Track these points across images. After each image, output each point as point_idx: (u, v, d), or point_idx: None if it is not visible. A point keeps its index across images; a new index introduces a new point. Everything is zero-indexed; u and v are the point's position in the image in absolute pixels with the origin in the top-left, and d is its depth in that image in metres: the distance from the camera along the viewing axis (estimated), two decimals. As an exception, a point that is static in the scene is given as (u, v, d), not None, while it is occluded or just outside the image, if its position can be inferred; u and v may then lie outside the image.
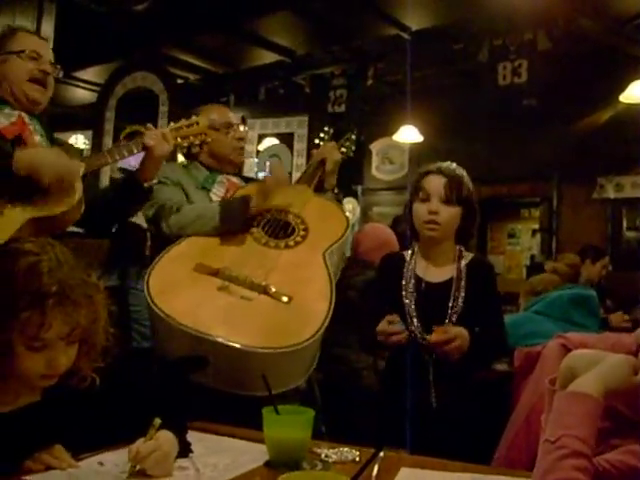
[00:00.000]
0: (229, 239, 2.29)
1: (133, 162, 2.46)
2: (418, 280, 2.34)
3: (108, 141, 7.53)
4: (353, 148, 2.94)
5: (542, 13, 5.96)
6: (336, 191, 2.73)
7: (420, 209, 2.33)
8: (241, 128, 2.74)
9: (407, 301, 2.29)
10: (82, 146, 8.92)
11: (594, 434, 1.11)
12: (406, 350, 2.20)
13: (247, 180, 2.79)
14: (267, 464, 1.43)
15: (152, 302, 2.00)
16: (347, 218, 2.56)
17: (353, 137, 2.94)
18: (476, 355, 2.22)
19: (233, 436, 1.64)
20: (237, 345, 1.90)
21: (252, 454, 1.49)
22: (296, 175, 6.95)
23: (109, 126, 7.68)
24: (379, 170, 9.75)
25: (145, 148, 2.14)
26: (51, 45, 4.41)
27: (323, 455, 1.50)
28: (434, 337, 2.16)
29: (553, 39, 6.28)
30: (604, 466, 1.19)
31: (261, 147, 8.55)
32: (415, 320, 2.26)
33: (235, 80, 8.27)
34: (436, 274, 2.35)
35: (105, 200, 2.21)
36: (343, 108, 7.71)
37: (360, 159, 9.90)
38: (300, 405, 1.95)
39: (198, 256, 2.19)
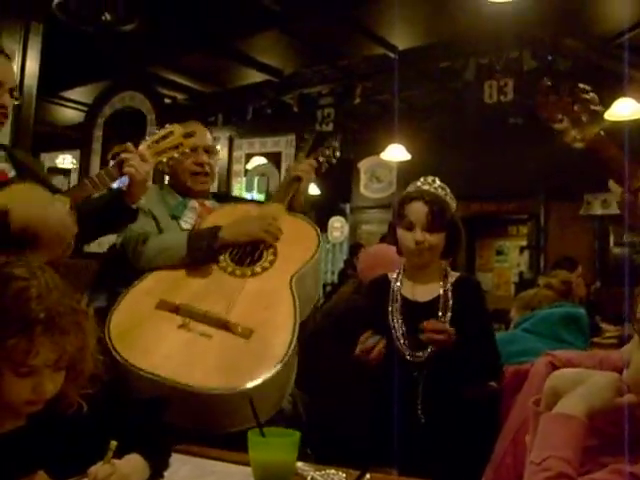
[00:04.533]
0: (194, 270, 2.24)
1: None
2: (405, 300, 2.35)
3: (96, 161, 7.53)
4: (337, 154, 2.80)
5: (527, 33, 6.03)
6: (305, 210, 2.62)
7: (405, 237, 2.32)
8: (207, 157, 2.59)
9: (394, 321, 2.30)
10: (70, 166, 8.92)
11: (579, 455, 1.11)
12: (395, 368, 2.20)
13: (220, 199, 2.71)
14: (252, 487, 1.42)
15: (111, 346, 1.95)
16: (319, 236, 2.44)
17: (335, 144, 2.79)
18: (464, 375, 2.23)
19: (218, 459, 1.62)
20: (192, 387, 1.86)
21: (237, 477, 1.48)
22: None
23: (97, 146, 7.68)
24: (367, 188, 9.79)
25: (125, 174, 2.09)
26: (38, 65, 4.45)
27: (309, 477, 1.48)
28: (429, 324, 2.18)
29: (538, 58, 6.34)
30: (591, 486, 1.18)
31: (249, 166, 8.56)
32: (402, 340, 2.27)
33: (223, 99, 8.29)
34: (422, 293, 2.35)
35: (89, 219, 2.10)
36: (331, 127, 7.74)
37: (348, 177, 9.94)
38: (286, 427, 1.93)
39: (161, 292, 2.15)
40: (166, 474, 1.47)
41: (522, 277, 8.20)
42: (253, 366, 1.93)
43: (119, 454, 1.33)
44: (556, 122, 1.60)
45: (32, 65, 4.46)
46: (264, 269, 2.25)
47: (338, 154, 2.80)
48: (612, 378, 1.17)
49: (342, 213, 10.48)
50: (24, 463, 1.30)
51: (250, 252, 2.31)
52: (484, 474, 2.37)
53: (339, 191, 10.23)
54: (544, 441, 1.11)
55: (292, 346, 2.01)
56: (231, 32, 6.36)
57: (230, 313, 2.06)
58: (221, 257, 2.27)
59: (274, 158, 7.75)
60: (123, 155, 2.11)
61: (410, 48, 6.59)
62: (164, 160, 2.25)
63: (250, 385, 1.87)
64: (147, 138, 2.21)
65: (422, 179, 2.40)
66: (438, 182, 2.38)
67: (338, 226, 10.45)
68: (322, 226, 10.77)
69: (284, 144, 7.25)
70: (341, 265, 9.62)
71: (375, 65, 7.05)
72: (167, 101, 8.17)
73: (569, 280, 4.07)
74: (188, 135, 2.28)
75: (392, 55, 6.60)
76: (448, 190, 2.38)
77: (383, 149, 7.97)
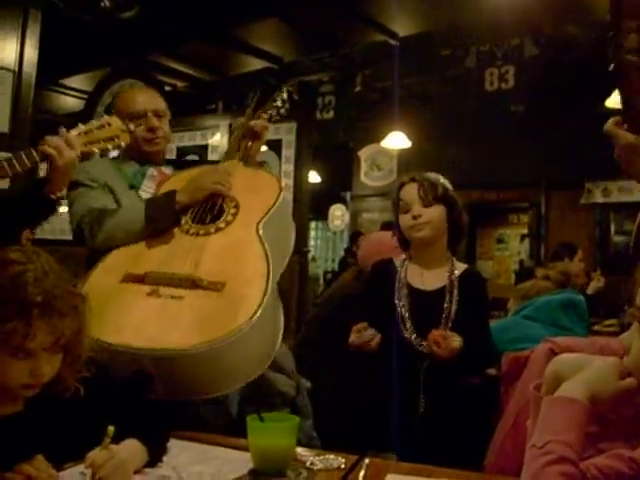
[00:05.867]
0: (155, 239, 2.15)
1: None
2: (410, 288, 2.36)
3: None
4: (287, 105, 2.64)
5: (528, 20, 6.00)
6: (263, 162, 2.51)
7: (405, 219, 2.38)
8: (158, 122, 2.42)
9: (400, 308, 2.31)
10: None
11: (581, 439, 1.10)
12: (398, 355, 2.21)
13: (178, 165, 2.59)
14: (252, 472, 1.42)
15: None
16: (279, 181, 2.35)
17: (284, 95, 2.63)
18: (465, 365, 2.24)
19: (217, 444, 1.63)
20: (170, 350, 1.77)
21: (236, 462, 1.48)
22: (284, 181, 6.95)
23: (97, 134, 7.64)
24: (368, 176, 9.77)
25: (47, 157, 1.89)
26: (37, 53, 4.42)
27: (308, 462, 1.49)
28: (435, 333, 2.20)
29: (539, 45, 6.31)
30: (591, 471, 1.18)
31: (249, 154, 8.54)
32: (409, 327, 2.28)
33: (223, 87, 8.26)
34: (428, 282, 2.37)
35: (3, 209, 1.98)
36: (331, 115, 7.72)
37: (348, 166, 9.93)
38: (290, 413, 1.93)
39: (125, 265, 2.07)
40: (166, 459, 1.48)
41: (522, 265, 8.19)
42: (231, 316, 1.85)
43: (117, 440, 1.33)
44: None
45: (31, 53, 4.44)
46: (228, 223, 2.17)
47: (288, 105, 2.65)
48: (614, 363, 1.17)
49: (343, 201, 10.49)
50: (22, 448, 1.30)
51: (210, 209, 2.22)
52: (485, 459, 2.38)
53: (340, 179, 10.23)
54: (546, 425, 1.11)
55: (268, 292, 1.92)
56: (231, 20, 6.33)
57: (199, 271, 1.98)
58: (182, 220, 2.18)
59: (274, 145, 7.74)
60: (47, 137, 1.92)
61: (411, 35, 6.56)
62: (95, 150, 2.04)
63: (231, 334, 1.79)
64: (80, 125, 2.03)
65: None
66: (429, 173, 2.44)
67: (339, 214, 10.47)
68: (323, 214, 10.80)
69: (284, 131, 7.19)
70: (342, 253, 9.64)
71: (375, 52, 7.01)
72: (167, 89, 8.14)
73: (567, 271, 4.09)
74: (127, 130, 2.12)
75: (393, 42, 6.57)
76: (440, 176, 2.43)
77: (384, 137, 7.95)
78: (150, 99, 2.46)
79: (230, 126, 7.70)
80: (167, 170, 2.48)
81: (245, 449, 1.47)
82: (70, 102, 8.83)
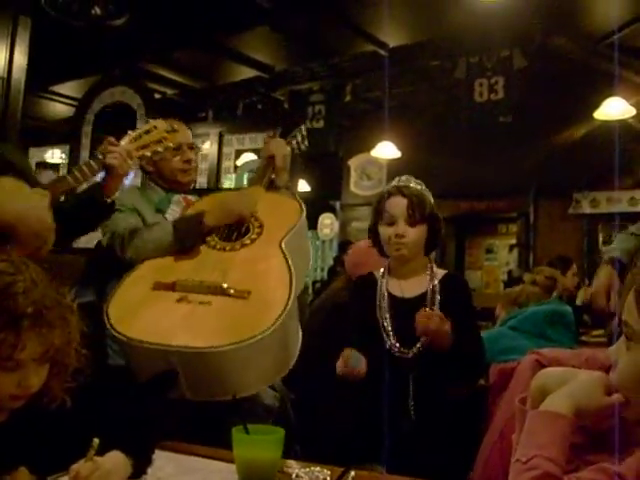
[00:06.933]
0: (184, 252, 2.31)
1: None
2: (392, 297, 2.35)
3: (85, 155, 7.50)
4: (305, 142, 2.88)
5: (518, 31, 6.04)
6: (289, 186, 2.70)
7: (387, 232, 2.35)
8: (192, 154, 2.66)
9: (382, 319, 2.30)
10: (59, 160, 8.88)
11: (565, 453, 1.10)
12: (385, 366, 2.20)
13: (202, 193, 2.77)
14: (237, 484, 1.41)
15: (112, 329, 2.02)
16: (301, 204, 2.54)
17: (303, 131, 2.88)
18: (455, 369, 2.24)
19: (203, 456, 1.62)
20: (199, 348, 1.91)
21: (222, 474, 1.47)
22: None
23: (86, 140, 7.64)
24: (357, 186, 9.79)
25: (107, 166, 2.12)
26: (26, 59, 4.41)
27: (294, 475, 1.48)
28: (420, 315, 2.18)
29: (529, 57, 6.35)
30: (576, 485, 1.18)
31: (239, 163, 8.54)
32: (392, 336, 2.27)
33: (213, 95, 8.27)
34: (409, 289, 2.36)
35: (65, 215, 2.06)
36: (321, 124, 7.73)
37: (338, 175, 9.94)
38: (273, 424, 1.92)
39: (155, 275, 2.21)
40: (150, 471, 1.47)
41: (511, 275, 8.21)
42: (257, 319, 1.99)
43: (102, 451, 1.32)
44: None
45: (20, 59, 4.44)
46: (253, 240, 2.33)
47: (307, 142, 2.89)
48: (599, 377, 1.17)
49: (332, 210, 10.48)
50: (6, 459, 1.29)
51: (236, 228, 2.38)
52: (472, 471, 2.37)
53: (329, 188, 10.24)
54: (530, 439, 1.11)
55: (292, 298, 2.06)
56: (222, 28, 6.34)
57: (226, 280, 2.12)
58: (208, 237, 2.34)
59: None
60: (109, 148, 2.12)
61: (400, 46, 6.59)
62: (148, 154, 2.25)
63: (257, 335, 1.92)
64: (130, 133, 2.23)
65: (397, 178, 2.43)
66: (413, 179, 2.41)
67: (328, 223, 10.45)
68: (312, 223, 10.78)
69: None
70: (331, 262, 9.62)
71: (365, 62, 7.05)
72: (157, 96, 8.14)
73: (553, 275, 4.11)
74: (172, 130, 2.31)
75: (382, 52, 6.60)
76: (424, 185, 2.41)
77: (373, 146, 7.98)
78: (184, 133, 2.65)
79: (220, 135, 7.72)
80: (192, 198, 2.64)
81: (230, 461, 1.46)
82: (60, 109, 8.81)
